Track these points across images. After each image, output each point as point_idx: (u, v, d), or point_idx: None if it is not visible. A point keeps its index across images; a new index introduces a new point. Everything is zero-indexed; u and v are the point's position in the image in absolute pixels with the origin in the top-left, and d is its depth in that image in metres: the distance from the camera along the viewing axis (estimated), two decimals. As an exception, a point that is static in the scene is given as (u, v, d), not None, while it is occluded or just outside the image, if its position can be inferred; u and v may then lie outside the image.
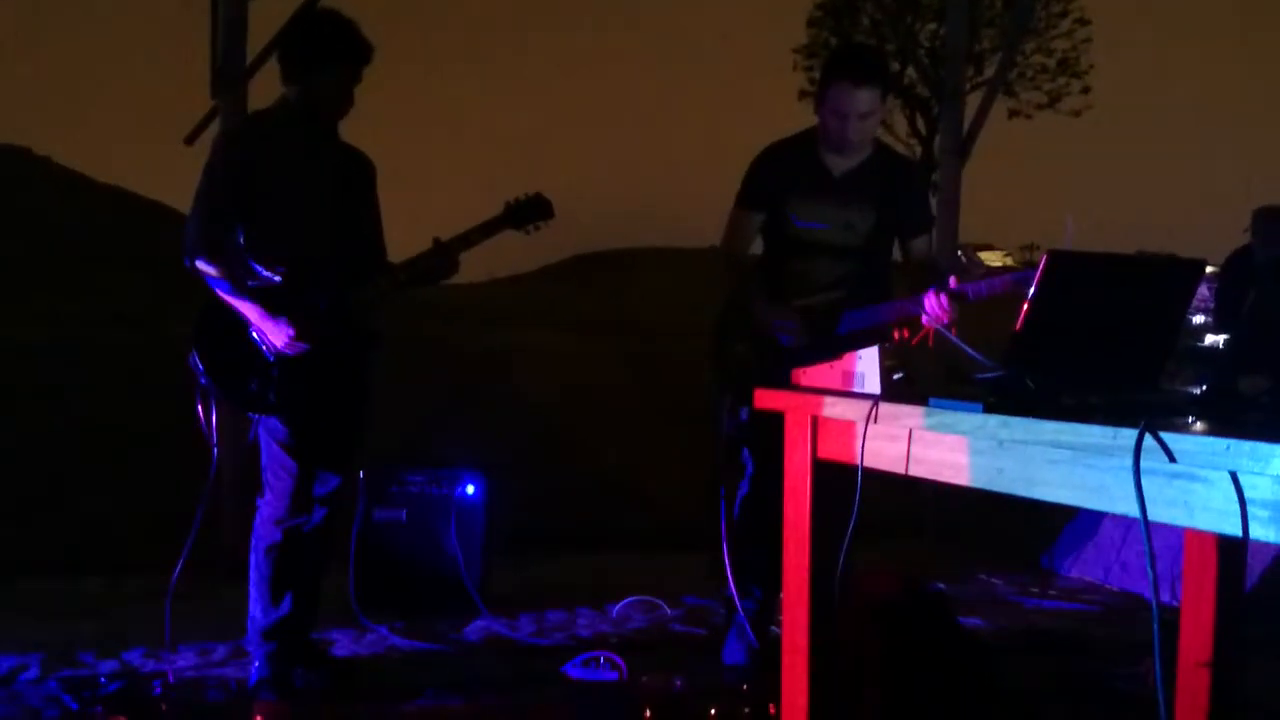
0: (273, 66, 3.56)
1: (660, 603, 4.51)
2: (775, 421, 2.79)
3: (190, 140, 5.23)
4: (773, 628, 3.97)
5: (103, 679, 3.59)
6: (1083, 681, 3.73)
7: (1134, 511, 1.81)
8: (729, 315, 3.91)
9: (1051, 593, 4.94)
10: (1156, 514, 1.81)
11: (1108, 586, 5.01)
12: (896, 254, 3.91)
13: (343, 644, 4.01)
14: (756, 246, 3.96)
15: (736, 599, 3.76)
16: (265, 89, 3.75)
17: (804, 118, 3.76)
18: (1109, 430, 1.87)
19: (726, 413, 3.77)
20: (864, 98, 3.57)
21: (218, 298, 3.35)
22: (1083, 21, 29.76)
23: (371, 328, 3.59)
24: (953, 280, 3.30)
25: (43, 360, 8.90)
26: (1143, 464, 1.77)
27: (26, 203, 17.06)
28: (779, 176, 3.78)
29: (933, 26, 28.09)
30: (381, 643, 4.08)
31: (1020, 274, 3.12)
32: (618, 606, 4.51)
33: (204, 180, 3.36)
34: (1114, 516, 4.76)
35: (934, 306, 3.29)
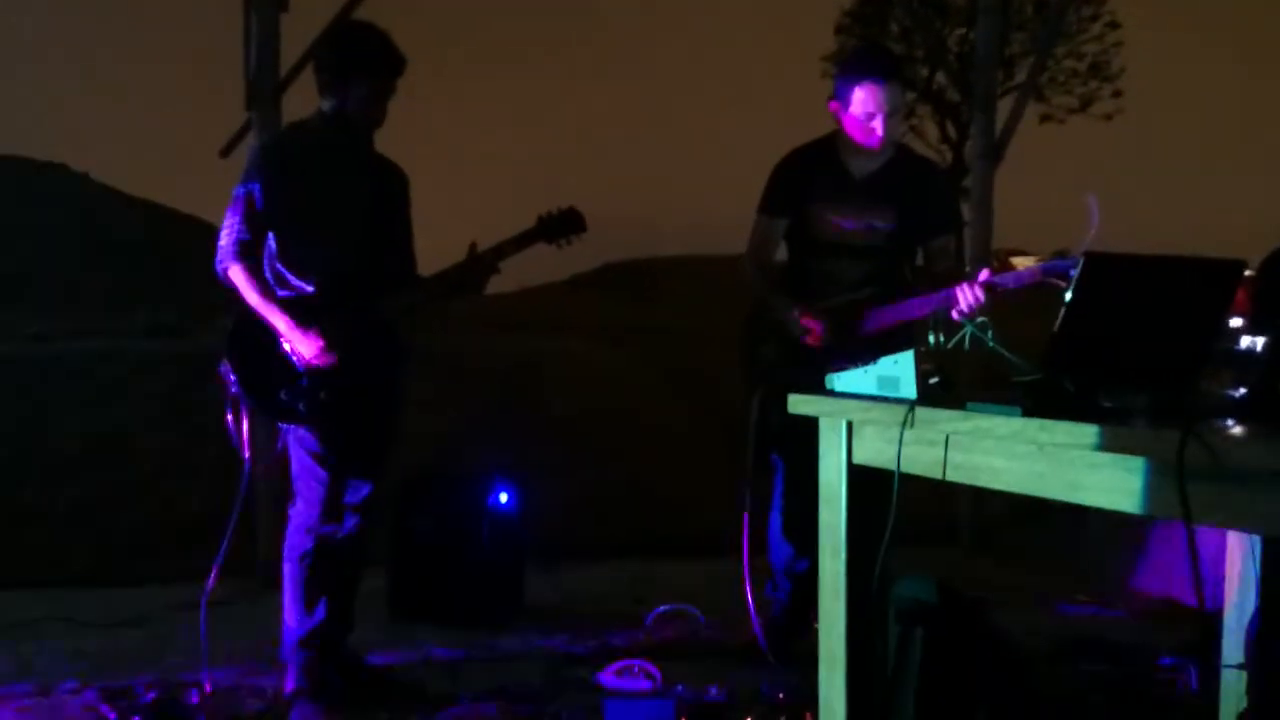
0: (308, 79, 3.59)
1: (695, 611, 4.49)
2: (805, 424, 2.79)
3: (225, 153, 5.26)
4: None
5: (140, 688, 3.62)
6: (1122, 686, 3.69)
7: (1176, 515, 1.79)
8: (756, 318, 3.93)
9: (1089, 598, 4.89)
10: (1200, 517, 1.79)
11: (1147, 591, 4.95)
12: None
13: (378, 652, 4.02)
14: (781, 253, 3.98)
15: (750, 602, 3.73)
16: (300, 101, 3.77)
17: (832, 125, 3.78)
18: (1151, 433, 1.86)
19: (755, 416, 3.77)
20: (893, 94, 3.59)
21: (250, 308, 3.37)
22: (1113, 25, 29.54)
23: (401, 339, 3.61)
24: (983, 272, 3.29)
25: (79, 372, 8.99)
26: (1186, 467, 1.75)
27: (64, 218, 17.27)
28: (801, 181, 3.81)
29: (962, 31, 27.95)
30: (416, 651, 4.08)
31: (1049, 264, 3.10)
32: (652, 615, 4.50)
33: (239, 191, 3.39)
34: (1153, 521, 4.70)
35: (965, 298, 3.27)
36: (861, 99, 3.61)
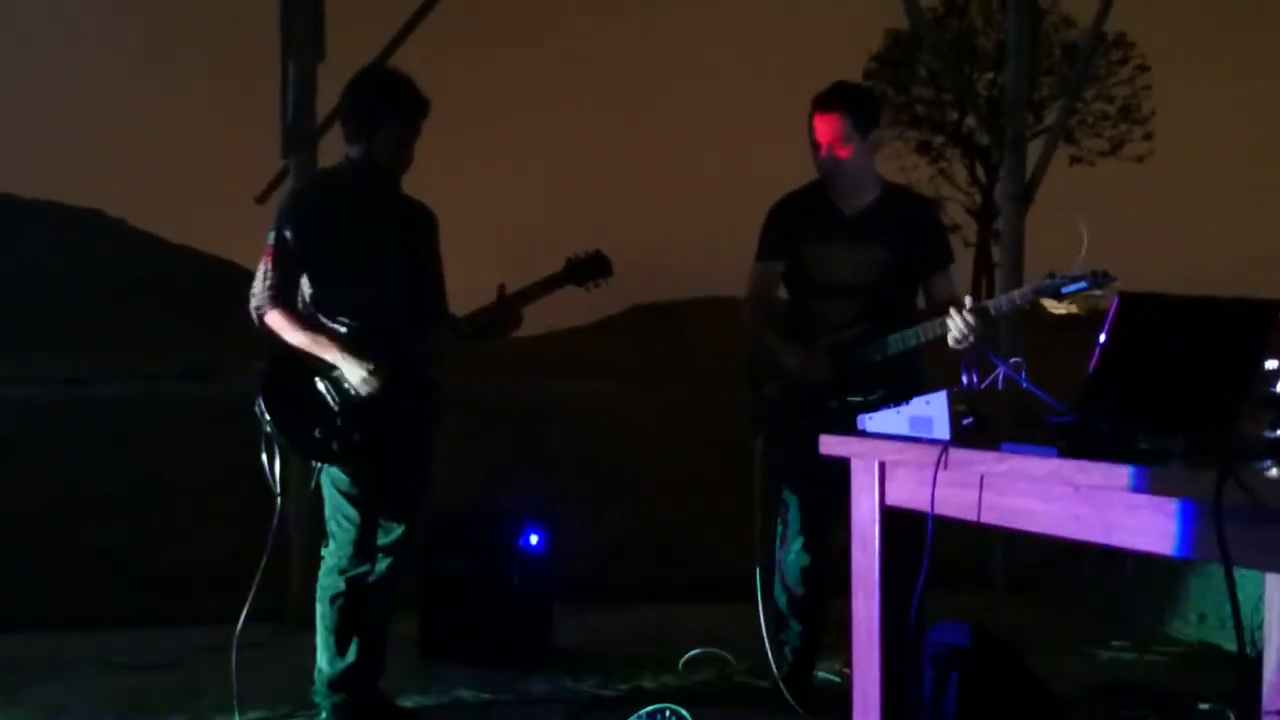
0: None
1: (725, 654, 4.46)
2: (810, 463, 2.82)
3: (261, 199, 5.29)
4: (832, 677, 3.93)
5: (173, 729, 3.62)
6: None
7: (1215, 557, 1.77)
8: (758, 361, 3.95)
9: (1126, 643, 4.82)
10: (1239, 559, 1.77)
11: (1184, 637, 4.88)
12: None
13: (408, 694, 4.00)
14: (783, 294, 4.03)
15: (764, 632, 3.80)
16: (336, 149, 3.82)
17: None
18: (1188, 475, 1.84)
19: (759, 458, 3.84)
20: (827, 124, 3.68)
21: (286, 348, 3.40)
22: (1143, 68, 29.66)
23: (432, 379, 3.63)
24: (969, 297, 3.32)
25: (115, 413, 9.08)
26: (1224, 509, 1.73)
27: (102, 264, 17.49)
28: (793, 223, 3.89)
29: (990, 75, 28.07)
30: (447, 693, 4.07)
31: (1039, 284, 3.14)
32: (682, 658, 4.46)
33: (271, 237, 3.44)
34: (1189, 564, 4.64)
35: (957, 324, 3.30)
36: (811, 129, 3.72)
